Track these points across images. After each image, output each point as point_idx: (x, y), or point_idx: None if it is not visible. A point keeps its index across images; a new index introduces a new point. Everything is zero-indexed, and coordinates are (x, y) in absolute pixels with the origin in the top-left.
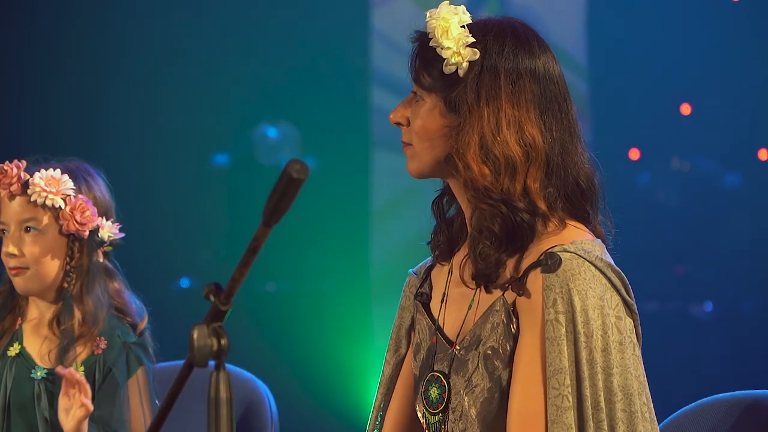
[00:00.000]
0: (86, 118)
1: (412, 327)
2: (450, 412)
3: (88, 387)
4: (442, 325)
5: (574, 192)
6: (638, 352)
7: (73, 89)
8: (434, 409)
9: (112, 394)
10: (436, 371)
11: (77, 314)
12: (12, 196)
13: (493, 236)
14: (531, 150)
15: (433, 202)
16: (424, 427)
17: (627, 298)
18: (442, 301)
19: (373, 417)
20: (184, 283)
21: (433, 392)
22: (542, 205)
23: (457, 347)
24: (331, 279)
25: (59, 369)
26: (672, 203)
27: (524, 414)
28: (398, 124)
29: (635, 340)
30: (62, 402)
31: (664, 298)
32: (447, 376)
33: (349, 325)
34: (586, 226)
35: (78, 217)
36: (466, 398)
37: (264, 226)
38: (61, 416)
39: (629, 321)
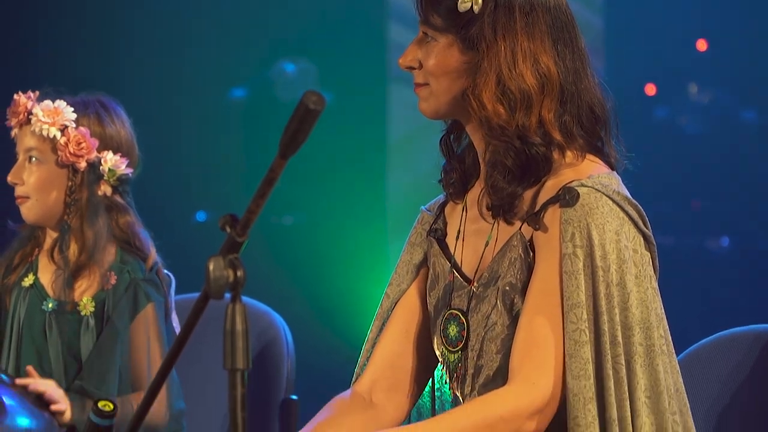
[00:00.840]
0: (104, 52)
1: (423, 264)
2: (469, 350)
3: (57, 395)
4: (459, 263)
5: (589, 118)
6: (655, 284)
7: (91, 23)
8: (453, 348)
9: (111, 343)
10: (454, 309)
11: (73, 246)
12: (20, 126)
13: (506, 170)
14: (546, 81)
15: (440, 140)
16: (443, 364)
17: (645, 230)
18: (457, 238)
19: (366, 349)
20: (201, 216)
21: (452, 330)
22: (557, 136)
23: (475, 284)
24: (348, 212)
25: (18, 380)
26: (688, 138)
27: (528, 342)
28: (410, 68)
29: (652, 272)
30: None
31: (680, 233)
32: (465, 314)
33: (365, 258)
34: (601, 158)
35: (72, 149)
36: (485, 335)
37: (280, 158)
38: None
39: (646, 254)
